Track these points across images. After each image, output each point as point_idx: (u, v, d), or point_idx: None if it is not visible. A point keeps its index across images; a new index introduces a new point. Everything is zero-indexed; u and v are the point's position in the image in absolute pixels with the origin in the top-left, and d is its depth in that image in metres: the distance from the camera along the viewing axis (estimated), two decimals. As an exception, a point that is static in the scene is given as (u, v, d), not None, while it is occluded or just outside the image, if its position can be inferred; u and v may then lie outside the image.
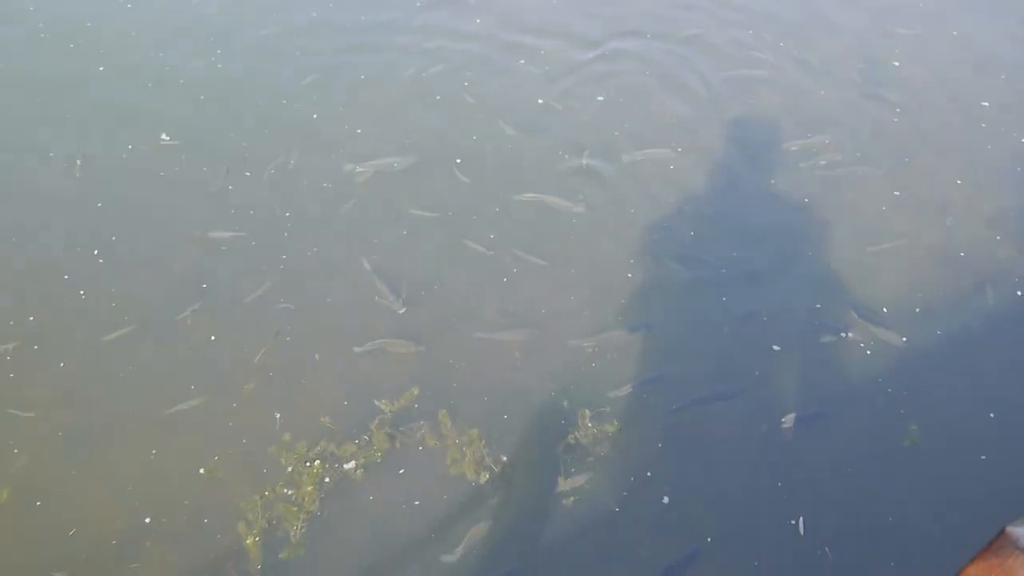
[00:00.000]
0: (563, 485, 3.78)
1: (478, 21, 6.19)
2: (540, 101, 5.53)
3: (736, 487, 3.80)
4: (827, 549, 3.57)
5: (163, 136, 5.30)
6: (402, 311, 4.38)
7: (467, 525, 3.68)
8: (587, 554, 3.61)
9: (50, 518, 3.72)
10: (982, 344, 4.23)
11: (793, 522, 3.66)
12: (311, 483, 3.77)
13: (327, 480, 3.80)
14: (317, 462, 3.84)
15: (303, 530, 3.64)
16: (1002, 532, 1.72)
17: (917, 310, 4.33)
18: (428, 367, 4.19)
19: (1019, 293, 4.39)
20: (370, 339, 4.26)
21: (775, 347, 4.21)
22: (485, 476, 3.80)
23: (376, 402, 4.03)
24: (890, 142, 5.25)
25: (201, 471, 3.84)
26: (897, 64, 5.61)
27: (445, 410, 4.00)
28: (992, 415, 3.98)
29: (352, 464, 3.86)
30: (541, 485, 3.82)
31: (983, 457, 3.84)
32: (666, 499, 3.76)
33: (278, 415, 4.01)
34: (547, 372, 4.15)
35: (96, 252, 4.67)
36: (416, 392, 4.08)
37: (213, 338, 4.31)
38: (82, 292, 4.49)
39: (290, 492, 3.76)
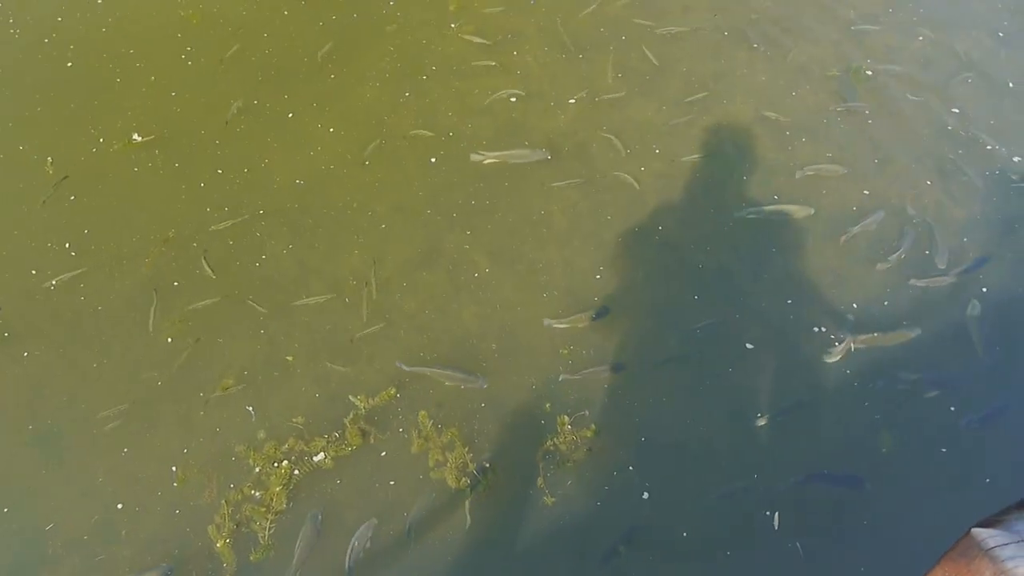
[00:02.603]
0: (542, 484, 3.77)
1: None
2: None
3: (714, 482, 3.83)
4: (799, 544, 3.60)
5: (135, 136, 5.23)
6: (485, 386, 4.11)
7: (443, 525, 3.66)
8: (567, 551, 3.61)
9: (23, 517, 3.69)
10: (946, 345, 4.28)
11: (768, 513, 3.68)
12: (279, 484, 3.72)
13: (296, 472, 3.76)
14: (285, 463, 3.79)
15: (272, 530, 3.60)
16: (967, 533, 1.72)
17: (885, 304, 4.37)
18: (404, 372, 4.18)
19: (984, 290, 4.44)
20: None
21: (748, 345, 4.23)
22: (465, 480, 3.78)
23: (351, 398, 4.00)
24: (862, 146, 5.29)
25: (173, 468, 3.81)
26: (870, 73, 5.66)
27: (424, 411, 3.97)
28: (952, 408, 4.05)
29: (321, 456, 3.82)
30: (520, 486, 3.81)
31: (943, 450, 3.90)
32: (646, 495, 3.78)
33: (250, 408, 3.97)
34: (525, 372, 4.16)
35: (68, 245, 4.63)
36: (393, 391, 4.05)
37: (199, 338, 4.28)
38: (53, 284, 4.48)
39: (258, 493, 3.72)
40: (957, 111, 5.22)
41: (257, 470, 3.77)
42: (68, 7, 6.10)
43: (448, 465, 3.79)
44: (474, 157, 5.02)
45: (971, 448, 3.93)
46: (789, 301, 4.40)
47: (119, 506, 3.76)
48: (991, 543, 1.66)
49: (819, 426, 4.01)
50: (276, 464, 3.78)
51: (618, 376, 4.12)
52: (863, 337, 4.22)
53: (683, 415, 4.04)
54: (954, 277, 4.49)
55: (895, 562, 3.55)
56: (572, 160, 5.05)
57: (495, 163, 4.99)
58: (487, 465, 3.83)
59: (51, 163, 5.04)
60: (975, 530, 1.71)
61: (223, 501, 3.70)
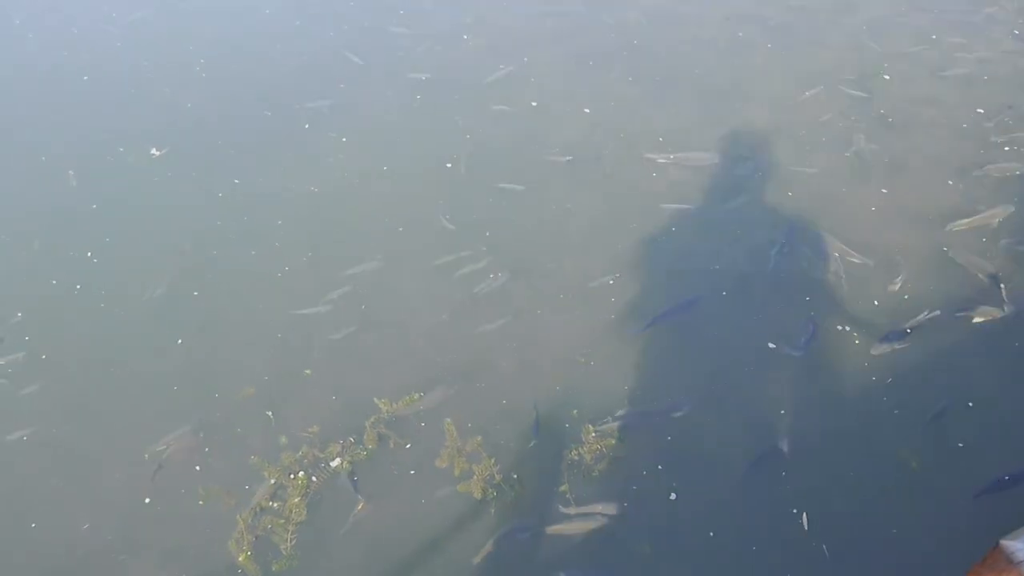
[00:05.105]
0: (567, 491, 3.75)
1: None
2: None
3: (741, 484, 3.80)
4: (825, 547, 3.55)
5: (153, 151, 5.28)
6: None
7: (464, 533, 3.64)
8: (594, 549, 3.59)
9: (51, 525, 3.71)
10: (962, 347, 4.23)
11: (795, 511, 3.63)
12: (297, 494, 3.70)
13: (315, 479, 3.75)
14: (301, 473, 3.77)
15: (293, 541, 3.59)
16: (996, 546, 1.69)
17: (906, 297, 4.32)
18: (431, 377, 4.17)
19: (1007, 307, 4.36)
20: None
21: (770, 344, 4.20)
22: (492, 493, 3.74)
23: (375, 400, 3.99)
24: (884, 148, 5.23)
25: (196, 467, 3.83)
26: (887, 78, 5.61)
27: (449, 418, 3.95)
28: (970, 403, 3.99)
29: (338, 461, 3.81)
30: (546, 493, 3.78)
31: (960, 445, 3.83)
32: (673, 496, 3.74)
33: (270, 413, 3.98)
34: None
35: (89, 253, 4.69)
36: (417, 397, 4.03)
37: (215, 346, 4.32)
38: (78, 286, 4.55)
39: (275, 504, 3.71)
40: (982, 111, 5.15)
41: (272, 481, 3.77)
42: (83, 21, 6.17)
43: (474, 477, 3.76)
44: (649, 155, 5.03)
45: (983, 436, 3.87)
46: (807, 298, 4.37)
47: (146, 500, 3.78)
48: (1021, 556, 1.64)
49: (835, 422, 3.96)
50: (292, 475, 3.77)
51: (639, 379, 4.09)
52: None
53: (706, 415, 4.00)
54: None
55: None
56: (588, 166, 5.04)
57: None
58: (514, 475, 3.80)
59: (72, 176, 5.10)
60: (1004, 543, 1.68)
61: (238, 516, 3.68)
